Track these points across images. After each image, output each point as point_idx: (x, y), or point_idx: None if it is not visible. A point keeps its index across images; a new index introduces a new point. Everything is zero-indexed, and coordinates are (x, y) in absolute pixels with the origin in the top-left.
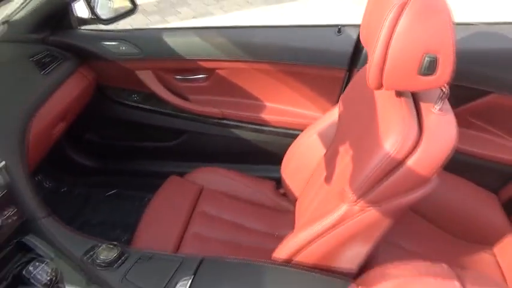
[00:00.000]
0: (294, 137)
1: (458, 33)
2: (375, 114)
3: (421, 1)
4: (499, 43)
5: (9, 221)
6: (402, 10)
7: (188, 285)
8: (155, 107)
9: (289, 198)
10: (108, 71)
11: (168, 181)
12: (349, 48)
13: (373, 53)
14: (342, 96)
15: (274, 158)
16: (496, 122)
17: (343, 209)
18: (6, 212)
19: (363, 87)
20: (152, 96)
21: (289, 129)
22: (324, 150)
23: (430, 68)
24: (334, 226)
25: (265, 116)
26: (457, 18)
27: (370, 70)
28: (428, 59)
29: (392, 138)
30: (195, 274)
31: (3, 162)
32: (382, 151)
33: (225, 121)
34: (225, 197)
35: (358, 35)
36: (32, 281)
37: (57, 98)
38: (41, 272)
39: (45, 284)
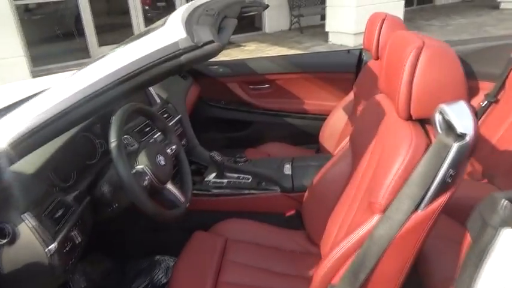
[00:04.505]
0: (323, 119)
1: None
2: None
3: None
4: None
5: None
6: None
7: None
8: (238, 107)
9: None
10: (209, 86)
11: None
12: (355, 61)
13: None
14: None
15: (313, 136)
16: None
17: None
18: None
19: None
20: (235, 101)
21: (320, 114)
22: (343, 119)
23: None
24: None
25: (305, 106)
26: None
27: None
28: None
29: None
30: None
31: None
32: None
33: (281, 113)
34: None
35: (360, 52)
36: None
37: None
38: None
39: None
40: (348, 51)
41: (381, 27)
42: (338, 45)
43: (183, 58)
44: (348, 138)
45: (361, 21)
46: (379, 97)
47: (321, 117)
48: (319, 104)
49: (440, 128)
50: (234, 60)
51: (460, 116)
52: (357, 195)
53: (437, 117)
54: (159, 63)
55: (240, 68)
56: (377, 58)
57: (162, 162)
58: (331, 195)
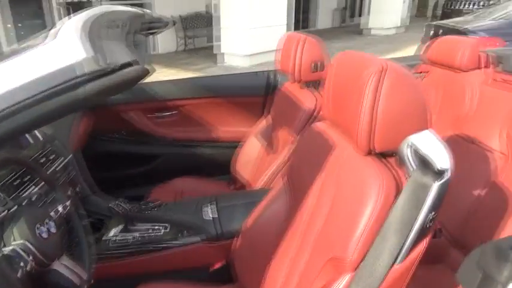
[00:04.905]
0: (235, 147)
1: None
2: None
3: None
4: None
5: None
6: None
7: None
8: (139, 138)
9: (239, 184)
10: (104, 115)
11: (154, 190)
12: (263, 83)
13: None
14: (268, 108)
15: (226, 166)
16: None
17: (288, 146)
18: None
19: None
20: (136, 132)
21: (232, 141)
22: (260, 145)
23: None
24: (285, 158)
25: (215, 134)
26: None
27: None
28: None
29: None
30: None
31: None
32: (302, 110)
33: (189, 142)
34: (195, 193)
35: (268, 75)
36: None
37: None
38: None
39: None
40: (256, 73)
41: (302, 49)
42: (233, 67)
43: (87, 88)
44: (273, 170)
45: (255, 43)
46: (321, 126)
47: (233, 145)
48: (230, 130)
49: (413, 164)
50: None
51: (434, 149)
52: (305, 244)
53: (407, 152)
54: (48, 97)
55: (139, 94)
56: (297, 81)
57: (45, 235)
58: (268, 241)
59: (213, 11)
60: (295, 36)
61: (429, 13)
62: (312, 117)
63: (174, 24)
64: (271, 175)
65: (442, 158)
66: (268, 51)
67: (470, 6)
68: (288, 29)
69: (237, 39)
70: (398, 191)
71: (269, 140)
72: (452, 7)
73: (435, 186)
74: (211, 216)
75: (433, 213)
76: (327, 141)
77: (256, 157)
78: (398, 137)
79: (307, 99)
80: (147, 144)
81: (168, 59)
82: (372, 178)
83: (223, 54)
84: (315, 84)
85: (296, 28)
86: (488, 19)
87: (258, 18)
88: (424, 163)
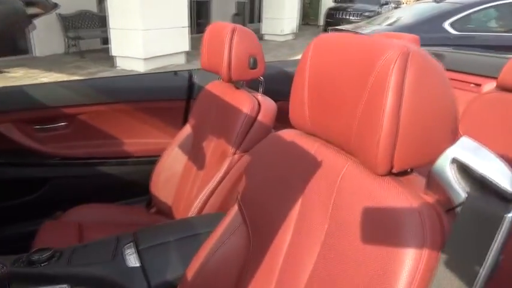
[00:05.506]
0: (153, 162)
1: None
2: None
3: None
4: None
5: None
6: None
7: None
8: (21, 160)
9: (162, 208)
10: None
11: (43, 228)
12: (185, 85)
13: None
14: (191, 114)
15: (140, 186)
16: None
17: (228, 160)
18: None
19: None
20: (15, 150)
21: (148, 156)
22: (185, 160)
23: None
24: (225, 176)
25: (126, 148)
26: None
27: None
28: None
29: (246, 110)
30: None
31: None
32: (242, 116)
33: (91, 160)
34: (104, 226)
35: (190, 74)
36: None
37: None
38: None
39: None
40: (175, 72)
41: (233, 40)
42: (128, 71)
43: None
44: (209, 191)
45: (150, 46)
46: (291, 136)
47: (150, 160)
48: (145, 142)
49: (463, 187)
50: (2, 87)
51: (493, 166)
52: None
53: (452, 171)
54: None
55: (15, 100)
56: (229, 80)
57: None
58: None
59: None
60: (222, 26)
61: (312, 22)
62: (253, 123)
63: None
64: (208, 199)
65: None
66: (168, 55)
67: (349, 16)
68: (190, 32)
69: (130, 42)
70: (442, 228)
71: (197, 152)
72: (335, 17)
73: (509, 219)
74: (136, 262)
75: (500, 256)
76: (308, 157)
77: (180, 174)
78: (427, 149)
79: (246, 103)
80: (28, 166)
81: (52, 62)
82: (403, 211)
83: (115, 57)
84: (252, 84)
85: (191, 33)
86: (385, 24)
87: (153, 20)
88: (483, 186)
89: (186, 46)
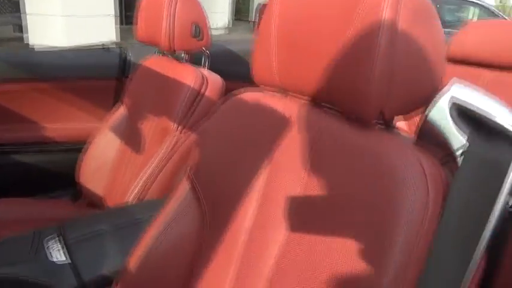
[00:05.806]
0: (80, 150)
1: None
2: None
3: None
4: None
5: None
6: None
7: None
8: None
9: (93, 201)
10: None
11: None
12: (116, 61)
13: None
14: (126, 93)
15: (65, 177)
16: None
17: (170, 139)
18: None
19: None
20: None
21: (73, 143)
22: (118, 144)
23: None
24: (170, 155)
25: (46, 133)
26: None
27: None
28: None
29: (190, 82)
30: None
31: None
32: (185, 88)
33: (4, 148)
34: (23, 223)
35: (121, 50)
36: None
37: None
38: None
39: None
40: (108, 48)
41: (174, 6)
42: None
43: None
44: (148, 174)
45: (73, 35)
46: (255, 95)
47: (75, 147)
48: (70, 127)
49: (463, 130)
50: None
51: (496, 107)
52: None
53: (450, 112)
54: None
55: None
56: (170, 49)
57: None
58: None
59: None
60: None
61: (244, 17)
62: (199, 98)
63: None
64: (147, 181)
65: None
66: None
67: None
68: (119, 22)
69: (49, 29)
70: (442, 179)
71: (133, 134)
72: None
73: None
74: (63, 257)
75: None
76: (276, 115)
77: (113, 160)
78: (420, 93)
79: (189, 76)
80: None
81: None
82: (400, 160)
83: (32, 47)
84: (196, 61)
85: (120, 23)
86: None
87: (75, 4)
88: (487, 130)
89: (113, 36)
